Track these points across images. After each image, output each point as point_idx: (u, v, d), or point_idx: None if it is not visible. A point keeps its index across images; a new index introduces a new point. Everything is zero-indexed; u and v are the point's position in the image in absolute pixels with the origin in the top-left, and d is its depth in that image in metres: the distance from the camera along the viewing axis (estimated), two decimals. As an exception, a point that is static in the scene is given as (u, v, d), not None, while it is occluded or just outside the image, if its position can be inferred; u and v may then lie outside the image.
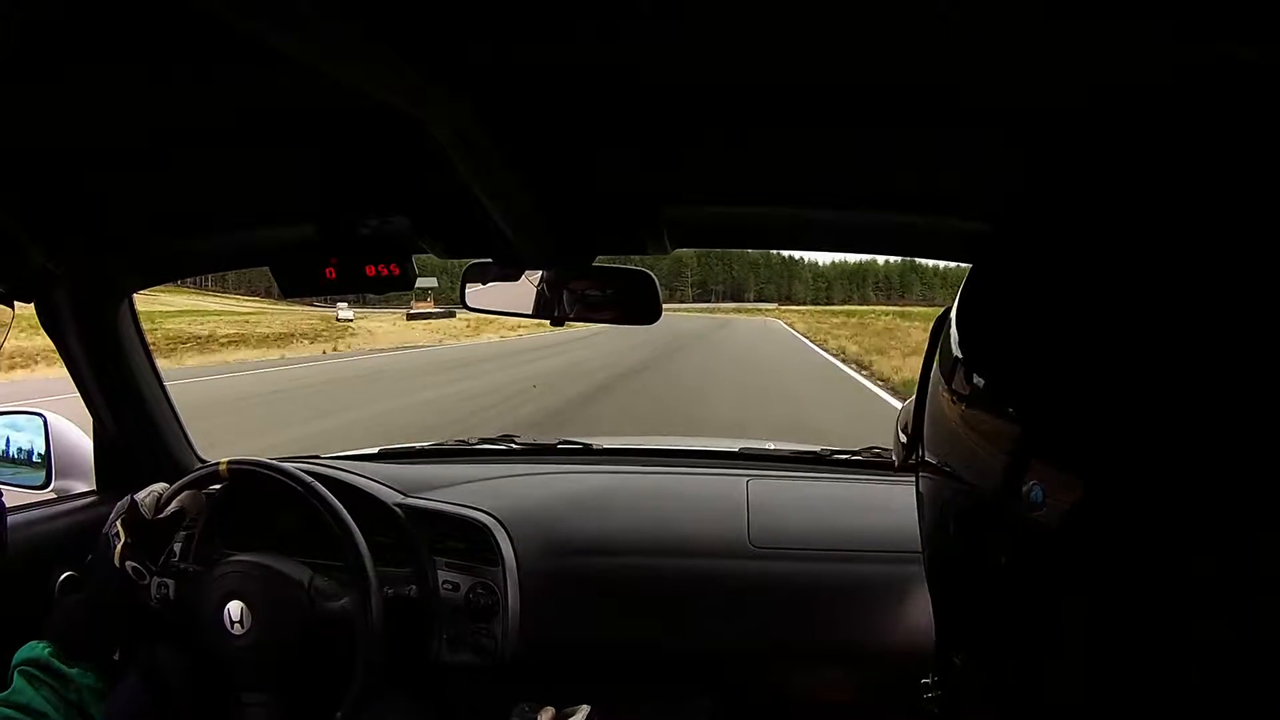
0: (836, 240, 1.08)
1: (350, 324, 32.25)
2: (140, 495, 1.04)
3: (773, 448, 1.65)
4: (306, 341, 23.47)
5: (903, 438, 0.55)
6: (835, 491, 1.41)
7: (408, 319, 35.82)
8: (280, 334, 24.90)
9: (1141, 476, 0.33)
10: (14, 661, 0.92)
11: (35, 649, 0.92)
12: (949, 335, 0.44)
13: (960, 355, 0.42)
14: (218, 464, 1.16)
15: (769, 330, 33.66)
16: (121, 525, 1.01)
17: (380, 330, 29.91)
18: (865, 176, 0.87)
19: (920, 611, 1.19)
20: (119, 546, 0.99)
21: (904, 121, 0.70)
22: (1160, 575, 0.33)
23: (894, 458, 0.58)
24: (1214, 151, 0.37)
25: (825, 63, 0.61)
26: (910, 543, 1.21)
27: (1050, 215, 0.44)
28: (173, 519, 1.04)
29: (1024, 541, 0.37)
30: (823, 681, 1.27)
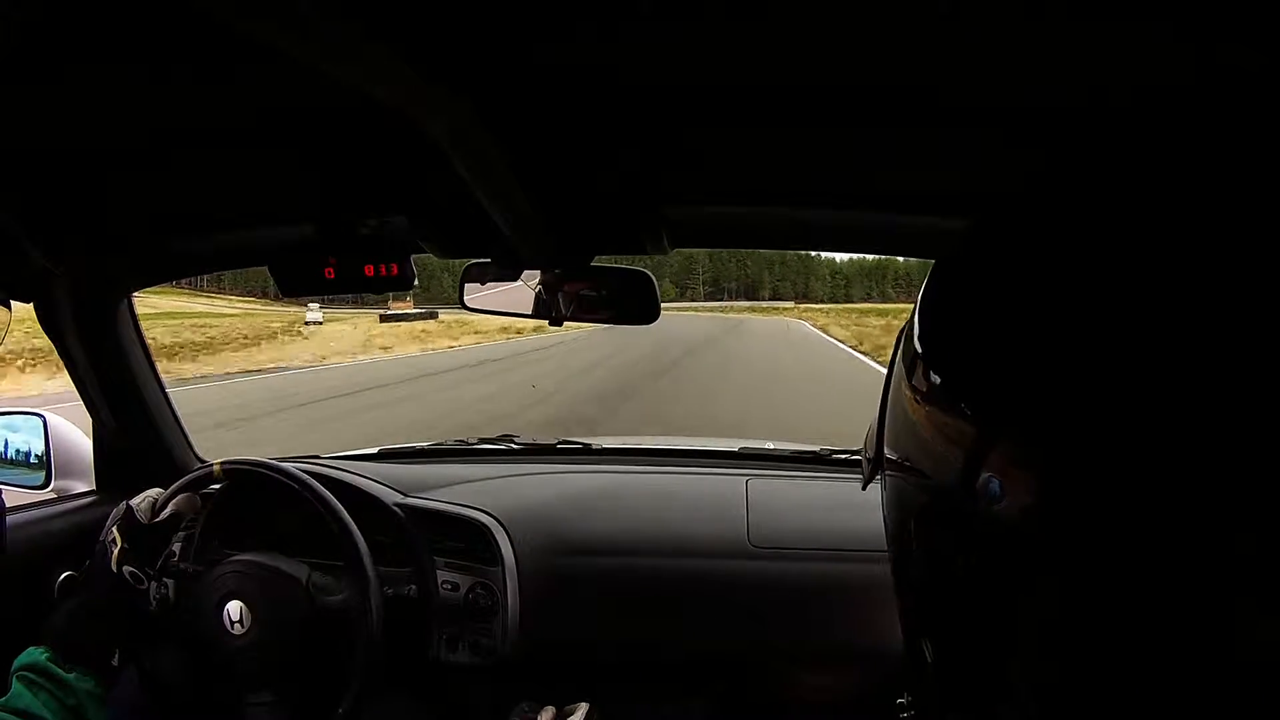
0: (836, 240, 1.08)
1: (319, 327, 29.63)
2: (135, 501, 1.04)
3: (772, 447, 1.65)
4: (231, 351, 18.29)
5: (868, 457, 0.54)
6: (835, 491, 1.41)
7: (381, 321, 33.36)
8: (208, 340, 21.05)
9: (1099, 468, 0.33)
10: (13, 667, 0.92)
11: (34, 654, 0.93)
12: (910, 332, 0.44)
13: (919, 350, 0.42)
14: (212, 465, 1.16)
15: (794, 336, 24.46)
16: (118, 531, 1.02)
17: (340, 335, 25.13)
18: (865, 176, 0.87)
19: None
20: (115, 552, 1.00)
21: (904, 121, 0.70)
22: (1119, 569, 0.33)
23: (862, 480, 0.58)
24: (1200, 153, 0.37)
25: (824, 63, 0.61)
26: None
27: (1011, 213, 0.44)
28: (169, 523, 1.04)
29: (984, 536, 0.37)
30: (821, 681, 1.27)
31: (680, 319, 38.51)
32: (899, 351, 0.46)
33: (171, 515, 1.04)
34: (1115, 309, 0.34)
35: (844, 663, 1.24)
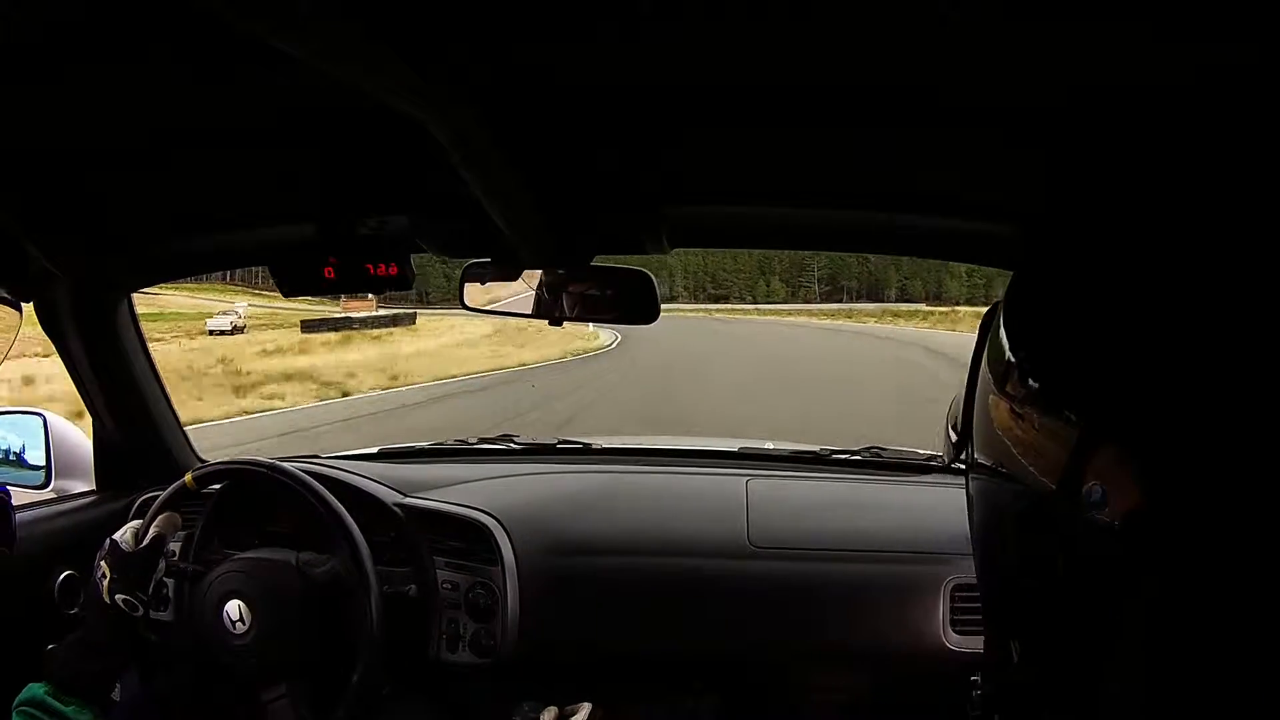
0: (836, 240, 1.08)
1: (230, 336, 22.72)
2: (117, 535, 1.06)
3: (772, 448, 1.65)
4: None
5: (953, 436, 0.54)
6: (835, 491, 1.41)
7: (303, 330, 23.17)
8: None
9: (1203, 475, 0.33)
10: (14, 703, 0.94)
11: (34, 689, 0.95)
12: (999, 337, 0.44)
13: (1013, 358, 0.42)
14: (183, 481, 1.16)
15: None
16: (104, 564, 1.03)
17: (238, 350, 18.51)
18: (865, 176, 0.87)
19: (920, 611, 1.19)
20: (105, 583, 1.01)
21: (904, 121, 0.70)
22: (1224, 577, 0.33)
23: (943, 457, 0.58)
24: (1245, 148, 0.37)
25: (825, 63, 0.61)
26: (909, 542, 1.23)
27: (1099, 216, 0.44)
28: (153, 546, 1.05)
29: (1085, 542, 0.37)
30: (821, 681, 1.27)
31: (772, 334, 26.13)
32: (984, 353, 0.46)
33: (155, 538, 1.05)
34: (1220, 317, 0.34)
35: (843, 662, 1.24)
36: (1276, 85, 0.49)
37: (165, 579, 1.11)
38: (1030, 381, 0.40)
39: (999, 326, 0.44)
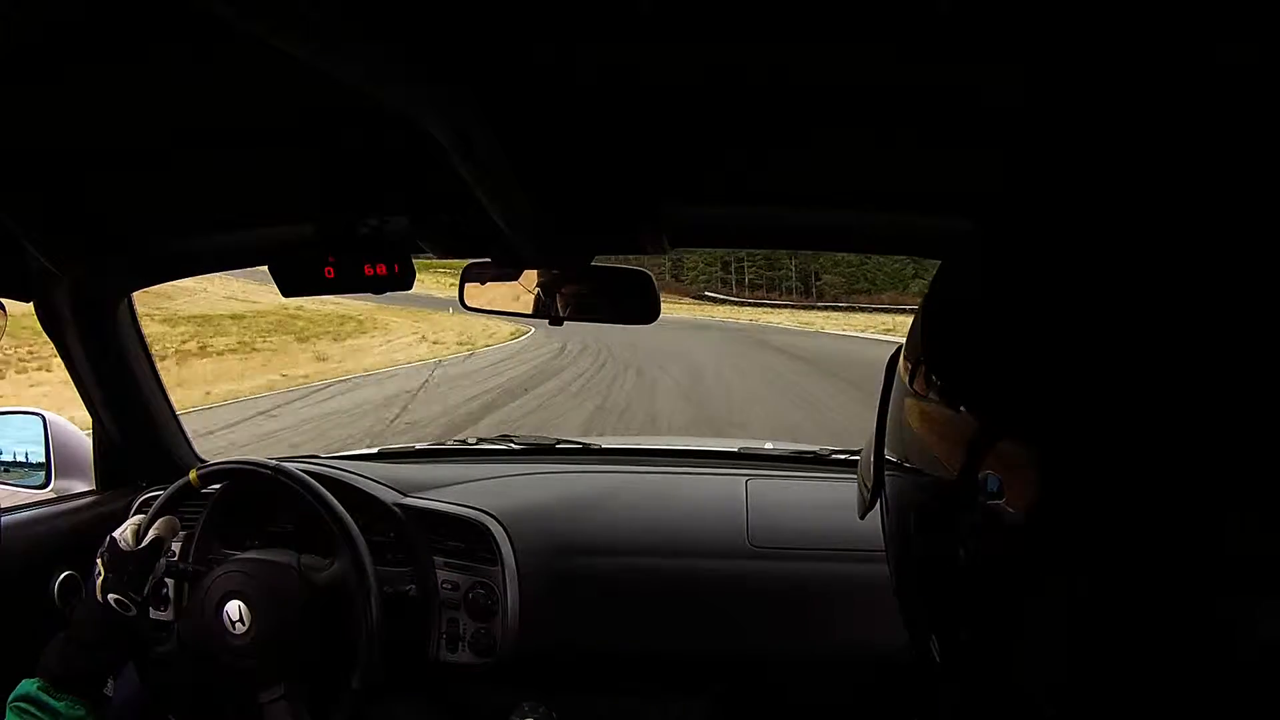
0: (836, 240, 1.08)
1: None
2: (117, 532, 1.06)
3: (771, 448, 1.65)
4: None
5: (866, 487, 0.54)
6: (834, 492, 1.41)
7: None
8: None
9: (1093, 464, 0.33)
10: (9, 699, 0.95)
11: (27, 685, 0.95)
12: (913, 336, 0.44)
13: (922, 351, 0.43)
14: (187, 478, 1.16)
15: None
16: (100, 561, 1.03)
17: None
18: (864, 176, 0.87)
19: None
20: (99, 581, 1.01)
21: (904, 121, 0.70)
22: (1115, 563, 0.34)
23: (858, 509, 0.57)
24: (1198, 151, 0.38)
25: (824, 63, 0.62)
26: None
27: (1017, 213, 0.45)
28: (152, 547, 1.05)
29: (984, 531, 0.37)
30: (820, 681, 1.27)
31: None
32: (898, 361, 0.47)
33: (154, 540, 1.05)
34: (1113, 309, 0.34)
35: (843, 662, 1.24)
36: (1277, 85, 0.49)
37: (165, 579, 1.11)
38: (933, 375, 0.41)
39: (915, 323, 0.45)
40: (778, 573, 1.25)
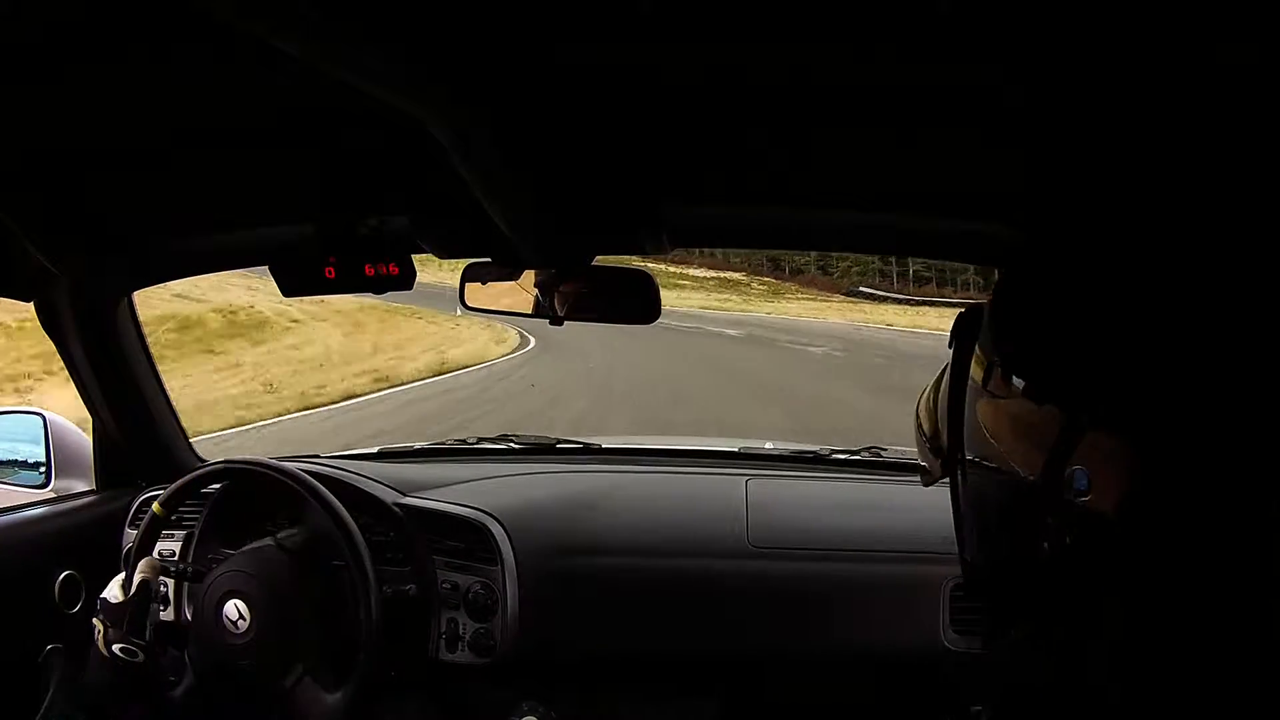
0: (836, 240, 1.08)
1: None
2: (105, 592, 1.08)
3: (771, 448, 1.65)
4: None
5: (929, 447, 0.55)
6: (834, 491, 1.41)
7: None
8: None
9: (1184, 461, 0.34)
10: None
11: None
12: (987, 335, 0.45)
13: (997, 355, 0.43)
14: (152, 511, 1.17)
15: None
16: (97, 620, 1.05)
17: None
18: (865, 176, 0.87)
19: (920, 611, 1.19)
20: (100, 636, 1.03)
21: (904, 121, 0.70)
22: (1206, 561, 0.34)
23: (923, 470, 0.58)
24: (1238, 148, 0.38)
25: (825, 63, 0.61)
26: (909, 542, 1.23)
27: (1076, 217, 0.45)
28: (140, 593, 1.07)
29: (1072, 529, 0.38)
30: (820, 681, 1.27)
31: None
32: (964, 353, 0.47)
33: (140, 584, 1.07)
34: (1201, 303, 0.35)
35: (843, 662, 1.24)
36: (1277, 85, 0.49)
37: (165, 579, 1.11)
38: (1013, 378, 0.42)
39: (984, 328, 0.45)
40: (778, 573, 1.25)
